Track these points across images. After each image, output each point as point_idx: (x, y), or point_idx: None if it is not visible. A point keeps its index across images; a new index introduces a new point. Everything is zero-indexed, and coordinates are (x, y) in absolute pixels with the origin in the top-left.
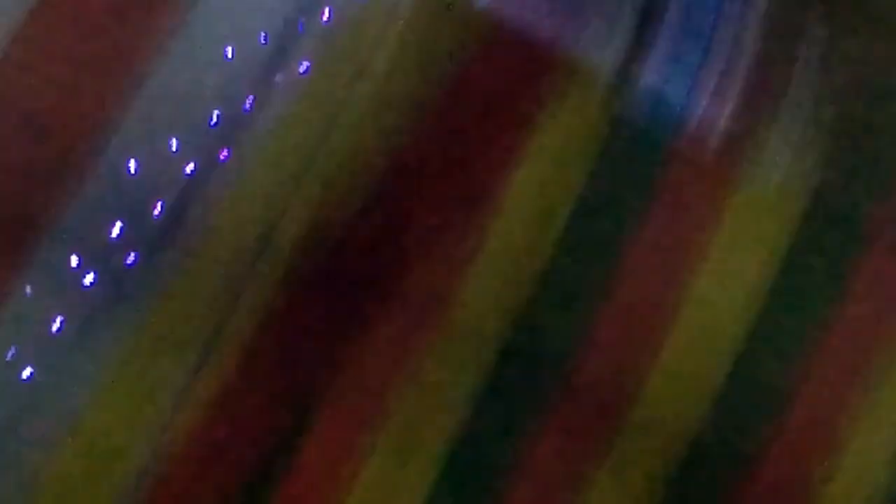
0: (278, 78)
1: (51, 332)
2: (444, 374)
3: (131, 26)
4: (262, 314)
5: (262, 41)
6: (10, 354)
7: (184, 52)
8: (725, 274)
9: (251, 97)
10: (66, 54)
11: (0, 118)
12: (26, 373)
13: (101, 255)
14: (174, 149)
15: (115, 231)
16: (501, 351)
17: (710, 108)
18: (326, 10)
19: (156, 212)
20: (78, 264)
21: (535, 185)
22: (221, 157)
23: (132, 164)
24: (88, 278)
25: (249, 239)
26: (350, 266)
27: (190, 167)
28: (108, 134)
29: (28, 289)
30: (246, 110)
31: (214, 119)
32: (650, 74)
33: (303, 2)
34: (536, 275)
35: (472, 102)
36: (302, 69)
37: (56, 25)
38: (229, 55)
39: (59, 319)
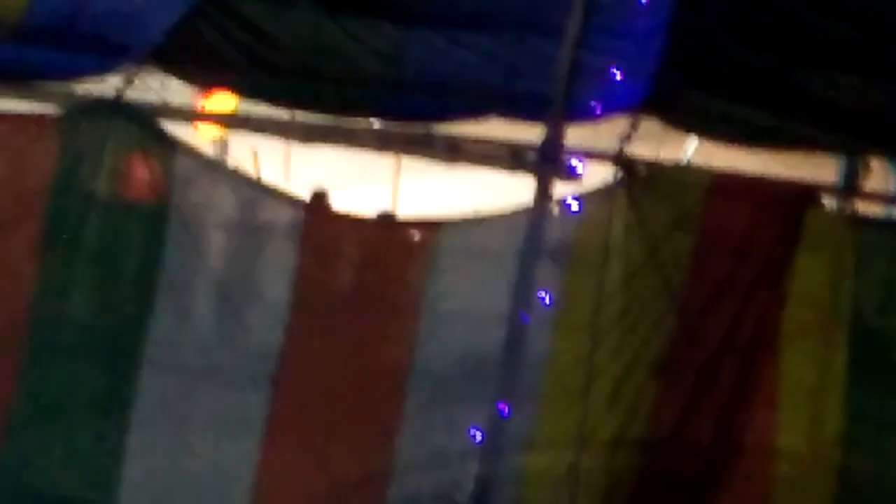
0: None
1: None
2: None
3: None
4: None
5: None
6: None
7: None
8: None
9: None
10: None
11: None
12: None
13: None
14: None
15: None
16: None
17: None
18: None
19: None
20: None
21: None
22: (504, 414)
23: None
24: None
25: (558, 470)
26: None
27: (477, 434)
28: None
29: None
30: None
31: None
32: None
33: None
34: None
35: (723, 260)
36: (546, 301)
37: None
38: None
39: None
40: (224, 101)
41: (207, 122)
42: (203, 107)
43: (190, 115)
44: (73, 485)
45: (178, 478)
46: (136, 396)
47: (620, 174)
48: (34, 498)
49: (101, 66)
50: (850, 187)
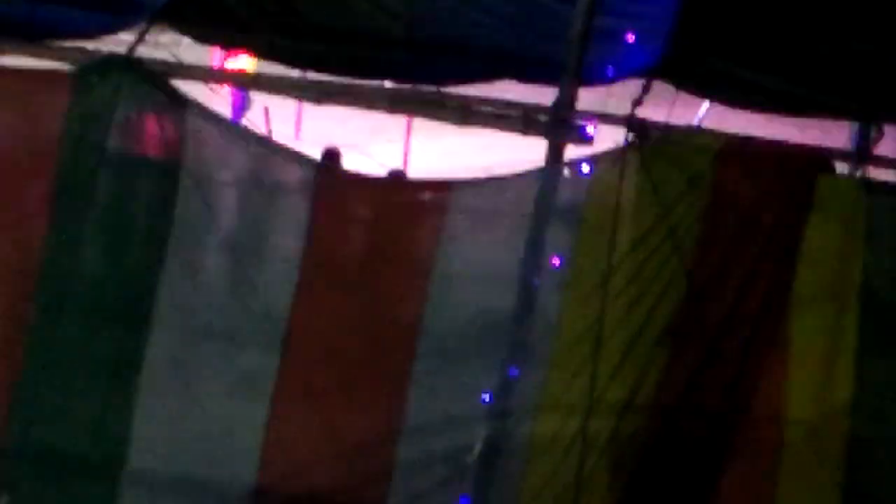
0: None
1: None
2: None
3: None
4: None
5: None
6: None
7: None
8: None
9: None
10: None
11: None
12: None
13: None
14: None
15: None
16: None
17: None
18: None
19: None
20: None
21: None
22: (513, 377)
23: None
24: None
25: (566, 434)
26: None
27: (486, 397)
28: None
29: None
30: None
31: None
32: None
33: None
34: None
35: (734, 224)
36: (557, 263)
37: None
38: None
39: None
40: (244, 60)
41: (220, 81)
42: (222, 65)
43: (202, 74)
44: (81, 442)
45: (187, 437)
46: (146, 354)
47: (632, 137)
48: (42, 455)
49: (114, 24)
50: (862, 153)
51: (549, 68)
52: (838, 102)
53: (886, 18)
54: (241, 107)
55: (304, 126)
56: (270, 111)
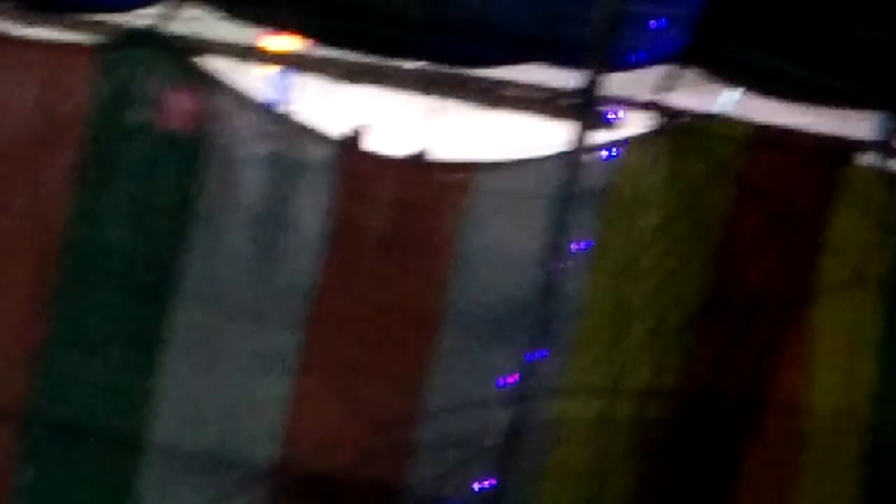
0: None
1: None
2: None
3: None
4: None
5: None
6: None
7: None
8: None
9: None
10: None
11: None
12: None
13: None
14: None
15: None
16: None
17: None
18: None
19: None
20: None
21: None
22: (536, 360)
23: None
24: None
25: (589, 418)
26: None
27: (509, 380)
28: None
29: None
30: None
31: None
32: None
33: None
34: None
35: (760, 212)
36: (582, 247)
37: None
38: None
39: None
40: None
41: (248, 57)
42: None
43: (230, 50)
44: (104, 415)
45: (210, 412)
46: (169, 328)
47: (660, 123)
48: (64, 426)
49: None
50: (888, 144)
51: (577, 52)
52: (865, 92)
53: None
54: (283, 84)
55: (331, 104)
56: (298, 89)
